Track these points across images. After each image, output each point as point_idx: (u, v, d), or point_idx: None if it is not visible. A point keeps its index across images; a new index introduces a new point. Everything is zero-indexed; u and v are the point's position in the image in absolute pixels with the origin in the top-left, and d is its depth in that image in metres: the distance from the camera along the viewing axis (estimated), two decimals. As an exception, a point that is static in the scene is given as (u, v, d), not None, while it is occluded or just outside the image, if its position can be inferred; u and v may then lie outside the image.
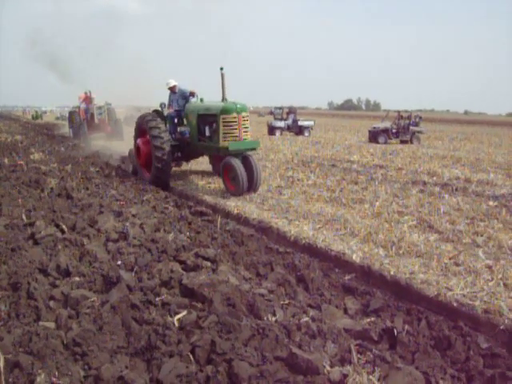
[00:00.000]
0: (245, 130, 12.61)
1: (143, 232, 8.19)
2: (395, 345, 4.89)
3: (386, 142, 30.66)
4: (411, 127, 31.99)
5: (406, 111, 33.48)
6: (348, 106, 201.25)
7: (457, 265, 7.06)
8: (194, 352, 4.37)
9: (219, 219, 9.31)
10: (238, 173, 11.80)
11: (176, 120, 14.75)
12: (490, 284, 6.34)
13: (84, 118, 29.46)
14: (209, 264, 6.72)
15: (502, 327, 5.35)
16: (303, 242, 8.26)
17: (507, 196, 12.23)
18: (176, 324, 4.95)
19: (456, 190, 13.12)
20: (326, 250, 7.79)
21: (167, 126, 14.48)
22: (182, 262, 6.76)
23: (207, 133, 13.32)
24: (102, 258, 6.72)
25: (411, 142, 31.15)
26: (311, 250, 8.03)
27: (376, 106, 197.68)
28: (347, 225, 9.03)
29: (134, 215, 9.32)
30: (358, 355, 4.56)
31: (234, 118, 12.40)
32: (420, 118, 34.63)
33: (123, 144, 22.44)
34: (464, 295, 6.00)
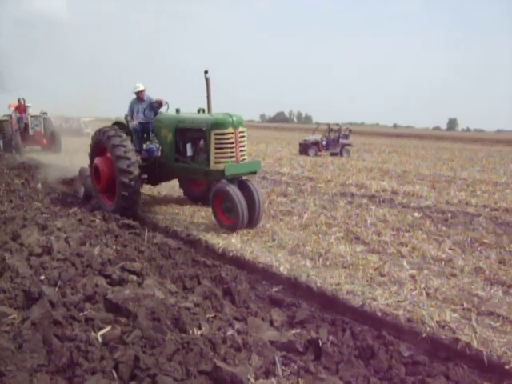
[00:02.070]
0: (242, 148, 10.32)
1: (68, 246, 8.01)
2: (320, 356, 4.93)
3: (316, 155, 31.01)
4: (341, 140, 32.48)
5: (337, 124, 33.96)
6: (280, 118, 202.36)
7: (382, 275, 7.20)
8: (118, 368, 4.28)
9: (146, 232, 9.21)
10: (236, 203, 9.38)
11: (141, 134, 12.32)
12: (414, 293, 6.50)
13: (16, 129, 26.73)
14: (135, 278, 6.63)
15: (424, 335, 5.49)
16: (231, 254, 8.27)
17: (431, 207, 12.58)
18: (100, 340, 4.84)
19: (383, 201, 13.38)
20: (254, 263, 7.82)
21: (133, 142, 11.86)
22: (107, 276, 6.64)
23: (189, 152, 10.91)
24: (24, 273, 6.52)
25: (341, 155, 31.61)
26: (239, 262, 8.04)
27: (307, 119, 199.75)
28: (275, 237, 9.08)
29: (59, 229, 9.10)
30: (283, 367, 4.58)
31: (230, 133, 10.07)
32: (350, 130, 35.20)
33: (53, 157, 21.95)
34: (388, 305, 6.12)
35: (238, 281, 6.99)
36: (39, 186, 15.13)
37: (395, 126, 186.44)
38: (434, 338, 5.43)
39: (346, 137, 33.28)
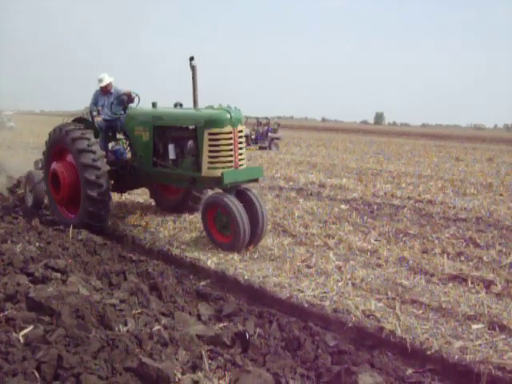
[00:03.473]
0: (241, 151, 8.63)
1: (-12, 244, 7.73)
2: (247, 348, 4.94)
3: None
4: (270, 134, 32.66)
5: (266, 118, 34.15)
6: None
7: (309, 267, 7.29)
8: (40, 368, 4.15)
9: (71, 228, 8.93)
10: (237, 219, 7.84)
11: (106, 133, 10.63)
12: (340, 284, 6.61)
13: None
14: (59, 275, 6.45)
15: (349, 325, 5.59)
16: (158, 249, 8.22)
17: (358, 200, 12.81)
18: (21, 340, 4.68)
19: (311, 194, 13.53)
20: (181, 257, 7.80)
21: (99, 140, 10.00)
22: (29, 275, 6.42)
23: (171, 155, 9.13)
24: None
25: (270, 148, 31.78)
26: (166, 257, 8.02)
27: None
28: (203, 231, 9.04)
29: (-22, 227, 8.79)
30: (210, 361, 4.56)
31: (228, 133, 8.40)
32: (278, 124, 35.49)
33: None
34: (315, 296, 6.21)
35: (164, 276, 6.91)
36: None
37: (323, 119, 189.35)
38: (360, 327, 5.55)
39: (275, 130, 33.52)
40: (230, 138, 8.38)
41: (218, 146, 8.39)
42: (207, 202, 8.48)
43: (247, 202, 8.32)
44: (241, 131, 8.61)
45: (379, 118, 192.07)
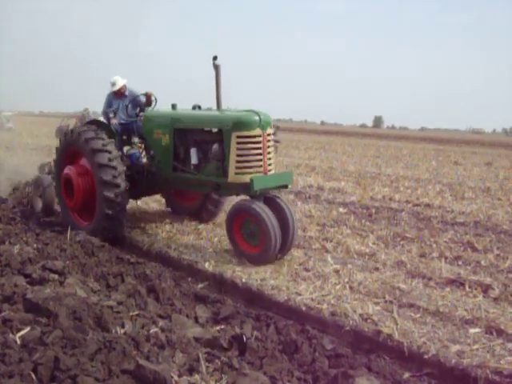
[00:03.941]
0: (270, 156, 8.18)
1: (-14, 245, 7.72)
2: (244, 351, 4.94)
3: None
4: (268, 136, 32.58)
5: (265, 121, 34.03)
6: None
7: (306, 270, 7.29)
8: (37, 370, 4.14)
9: (69, 230, 8.89)
10: (268, 228, 7.35)
11: (121, 137, 10.06)
12: (337, 287, 6.62)
13: None
14: (56, 277, 6.44)
15: (347, 328, 5.59)
16: (156, 251, 8.22)
17: (356, 203, 12.83)
18: (18, 342, 4.68)
19: (309, 197, 13.56)
20: (179, 259, 7.80)
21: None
22: (27, 276, 6.41)
23: (193, 159, 8.60)
24: None
25: (269, 151, 31.69)
26: (164, 259, 8.04)
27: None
28: (201, 233, 9.08)
29: (-24, 228, 8.78)
30: (207, 363, 4.55)
31: (257, 136, 7.91)
32: (277, 127, 35.42)
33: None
34: (312, 299, 6.21)
35: (162, 278, 6.90)
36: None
37: (322, 122, 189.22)
38: (357, 331, 5.55)
39: (274, 133, 33.40)
40: (260, 142, 7.91)
41: (246, 149, 7.90)
42: (234, 210, 7.92)
43: (277, 209, 7.83)
44: (269, 134, 8.15)
45: (378, 121, 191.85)
